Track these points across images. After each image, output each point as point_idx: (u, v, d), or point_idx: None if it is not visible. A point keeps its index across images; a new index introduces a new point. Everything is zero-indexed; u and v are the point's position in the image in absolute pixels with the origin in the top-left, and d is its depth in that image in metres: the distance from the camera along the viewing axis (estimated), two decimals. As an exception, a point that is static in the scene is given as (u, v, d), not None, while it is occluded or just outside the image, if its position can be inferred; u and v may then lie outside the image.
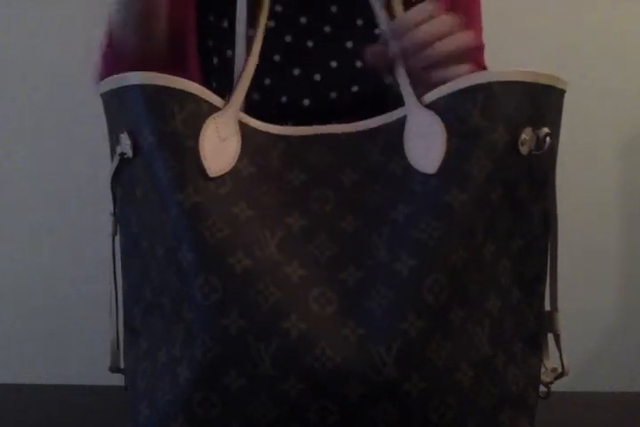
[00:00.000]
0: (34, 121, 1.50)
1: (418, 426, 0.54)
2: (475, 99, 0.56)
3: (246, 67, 0.61)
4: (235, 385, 0.53)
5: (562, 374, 0.61)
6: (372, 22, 0.67)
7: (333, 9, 0.78)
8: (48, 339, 1.49)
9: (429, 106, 0.58)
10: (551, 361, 0.62)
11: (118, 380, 0.63)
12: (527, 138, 0.56)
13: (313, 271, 0.56)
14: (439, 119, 0.56)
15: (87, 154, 1.42)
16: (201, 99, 0.57)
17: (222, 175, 0.57)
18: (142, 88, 0.57)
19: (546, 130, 0.57)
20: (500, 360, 0.57)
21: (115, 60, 0.77)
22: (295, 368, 0.53)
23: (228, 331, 0.53)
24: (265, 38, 0.63)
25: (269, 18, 0.70)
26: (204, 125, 0.57)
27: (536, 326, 0.61)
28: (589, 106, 1.50)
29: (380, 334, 0.53)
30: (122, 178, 0.60)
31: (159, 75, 0.57)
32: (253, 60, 0.62)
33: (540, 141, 0.57)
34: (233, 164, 0.58)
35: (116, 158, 0.59)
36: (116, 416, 0.70)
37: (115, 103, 0.60)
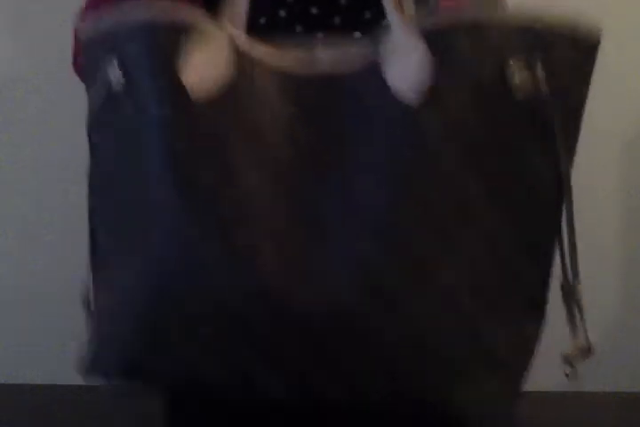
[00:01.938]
0: (34, 121, 1.50)
1: (373, 359, 0.53)
2: (465, 33, 0.55)
3: None
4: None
5: (588, 352, 0.57)
6: (380, 15, 0.67)
7: (342, 0, 0.78)
8: (49, 339, 1.49)
9: (419, 36, 0.57)
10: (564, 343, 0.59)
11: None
12: (516, 73, 0.55)
13: (287, 196, 0.57)
14: (426, 50, 0.56)
15: (86, 154, 1.42)
16: (195, 26, 0.57)
17: (210, 95, 0.57)
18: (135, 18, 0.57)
19: (540, 71, 0.56)
20: (475, 308, 0.56)
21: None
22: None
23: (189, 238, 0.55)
24: (276, 28, 0.64)
25: (280, 7, 0.71)
26: (194, 44, 0.57)
27: (539, 290, 0.60)
28: (589, 106, 1.50)
29: (341, 261, 0.53)
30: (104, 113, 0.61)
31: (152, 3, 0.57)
32: None
33: (536, 80, 0.56)
34: (223, 86, 0.57)
35: (99, 90, 0.59)
36: (115, 416, 0.70)
37: (98, 39, 0.60)
